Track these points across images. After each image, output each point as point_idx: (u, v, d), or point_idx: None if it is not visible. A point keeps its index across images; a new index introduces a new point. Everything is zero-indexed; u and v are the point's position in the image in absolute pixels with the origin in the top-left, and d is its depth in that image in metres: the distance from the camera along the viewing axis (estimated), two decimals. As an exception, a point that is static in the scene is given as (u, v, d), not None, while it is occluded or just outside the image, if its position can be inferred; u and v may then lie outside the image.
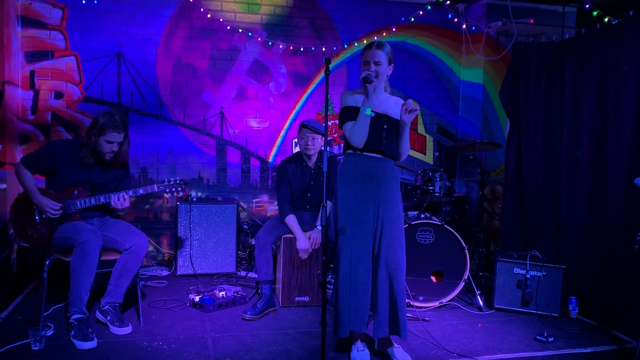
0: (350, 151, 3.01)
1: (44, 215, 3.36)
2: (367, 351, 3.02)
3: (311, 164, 4.01)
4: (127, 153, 3.54)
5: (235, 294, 3.97)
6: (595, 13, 4.07)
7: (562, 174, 4.14)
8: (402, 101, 3.01)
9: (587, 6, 4.12)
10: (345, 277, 2.91)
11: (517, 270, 3.93)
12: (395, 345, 3.10)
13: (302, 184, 4.02)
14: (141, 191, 3.44)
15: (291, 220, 3.93)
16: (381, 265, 2.92)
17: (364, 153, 2.96)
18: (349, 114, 2.96)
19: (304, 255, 3.90)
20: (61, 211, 3.34)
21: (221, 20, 5.08)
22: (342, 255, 2.92)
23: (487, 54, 5.41)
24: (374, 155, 2.96)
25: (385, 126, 2.96)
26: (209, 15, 5.04)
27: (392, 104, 3.02)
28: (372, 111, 2.88)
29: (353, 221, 2.92)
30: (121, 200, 3.38)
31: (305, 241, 3.89)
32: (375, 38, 5.45)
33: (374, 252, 2.95)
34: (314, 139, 3.89)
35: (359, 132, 2.89)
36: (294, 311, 3.85)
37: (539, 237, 4.33)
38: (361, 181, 2.94)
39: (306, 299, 3.96)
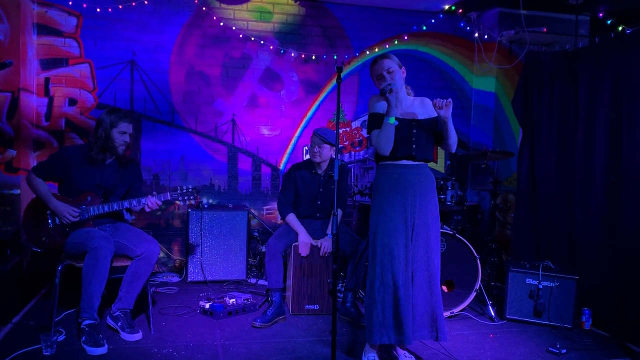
0: (382, 162, 3.00)
1: (57, 221, 3.38)
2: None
3: (321, 171, 4.02)
4: (137, 148, 3.59)
5: (245, 301, 3.97)
6: (609, 22, 4.05)
7: (576, 184, 4.10)
8: (428, 100, 3.03)
9: (600, 15, 4.10)
10: (382, 286, 2.88)
11: (529, 280, 3.89)
12: (407, 354, 3.08)
13: (311, 190, 4.02)
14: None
15: (291, 218, 3.98)
16: (416, 270, 2.92)
17: (396, 162, 2.94)
18: (376, 121, 2.95)
19: (304, 251, 3.87)
20: (79, 216, 3.37)
21: (234, 28, 5.11)
22: (377, 264, 2.89)
23: (499, 62, 5.40)
24: (406, 162, 2.94)
25: (414, 131, 2.93)
26: (221, 24, 5.08)
27: (417, 105, 3.01)
28: (396, 119, 2.87)
29: (388, 230, 2.89)
30: (150, 203, 3.44)
31: (307, 236, 3.90)
32: (387, 46, 5.46)
33: (407, 259, 2.91)
34: (320, 147, 3.89)
35: (383, 141, 2.87)
36: (304, 319, 3.84)
37: (552, 247, 4.29)
38: (395, 190, 2.91)
39: (316, 307, 3.94)
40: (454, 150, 3.05)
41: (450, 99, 2.85)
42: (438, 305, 2.95)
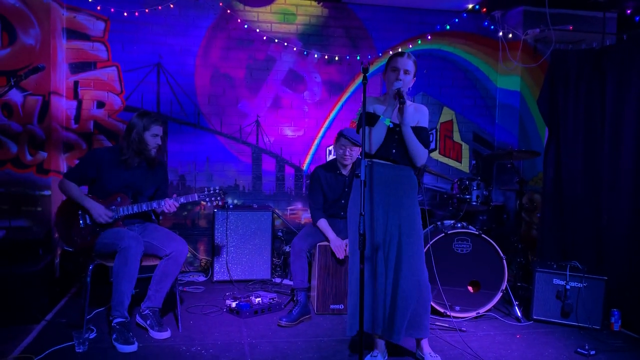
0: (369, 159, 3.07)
1: (88, 221, 3.45)
2: (379, 357, 3.05)
3: (346, 172, 4.03)
4: (164, 149, 3.65)
5: (271, 300, 4.00)
6: (637, 18, 3.98)
7: (603, 183, 4.05)
8: (424, 108, 3.07)
9: (628, 12, 4.04)
10: (354, 279, 2.98)
11: (556, 281, 3.85)
12: (432, 354, 3.09)
13: (336, 191, 4.04)
14: (182, 200, 3.53)
15: (322, 223, 3.97)
16: (389, 270, 2.96)
17: (377, 160, 3.02)
18: (370, 119, 3.02)
19: (340, 254, 3.87)
20: (112, 218, 3.44)
21: (257, 30, 5.16)
22: (353, 258, 3.02)
23: (524, 61, 5.35)
24: (386, 162, 3.01)
25: (396, 136, 2.99)
26: (245, 26, 5.13)
27: (411, 112, 3.01)
28: (390, 122, 2.93)
29: (362, 224, 2.96)
30: (168, 206, 3.49)
31: (339, 239, 3.90)
32: (410, 46, 5.45)
33: (386, 257, 2.97)
34: (351, 149, 3.89)
35: (372, 139, 2.95)
36: (329, 319, 3.86)
37: (579, 247, 4.24)
38: (373, 187, 2.99)
39: (341, 306, 3.96)
40: (418, 165, 3.01)
41: (405, 105, 2.87)
42: (401, 308, 2.93)
